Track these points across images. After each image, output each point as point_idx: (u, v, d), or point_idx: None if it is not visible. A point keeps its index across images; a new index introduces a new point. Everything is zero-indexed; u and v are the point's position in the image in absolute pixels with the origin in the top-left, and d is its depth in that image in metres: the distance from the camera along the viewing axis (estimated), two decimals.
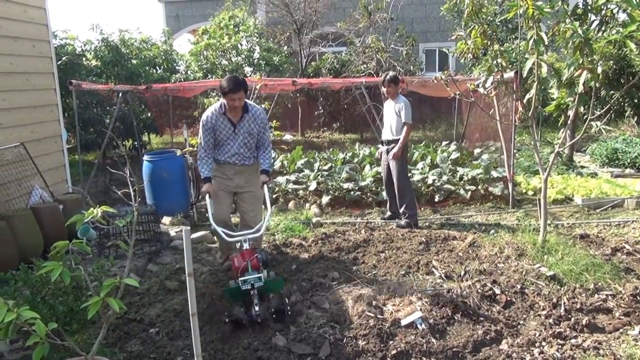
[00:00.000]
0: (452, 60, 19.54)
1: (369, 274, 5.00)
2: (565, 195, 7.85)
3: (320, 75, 14.46)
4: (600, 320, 4.05)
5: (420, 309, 4.04)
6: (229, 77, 4.73)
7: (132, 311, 4.37)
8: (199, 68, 13.90)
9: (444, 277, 4.83)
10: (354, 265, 5.28)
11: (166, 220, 6.75)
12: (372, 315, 4.01)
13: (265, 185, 4.90)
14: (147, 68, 13.31)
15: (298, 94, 14.70)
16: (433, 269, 4.98)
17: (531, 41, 4.87)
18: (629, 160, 9.97)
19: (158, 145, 14.09)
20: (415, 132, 16.00)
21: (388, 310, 4.16)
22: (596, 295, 4.39)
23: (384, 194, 7.23)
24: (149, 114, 13.06)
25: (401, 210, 6.71)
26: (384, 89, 6.74)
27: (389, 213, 7.07)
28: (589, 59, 4.70)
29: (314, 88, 10.92)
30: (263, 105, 7.06)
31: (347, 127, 16.01)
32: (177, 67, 14.69)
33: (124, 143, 3.73)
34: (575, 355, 3.55)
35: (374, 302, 4.22)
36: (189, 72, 14.46)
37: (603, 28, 4.67)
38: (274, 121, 6.89)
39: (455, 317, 4.03)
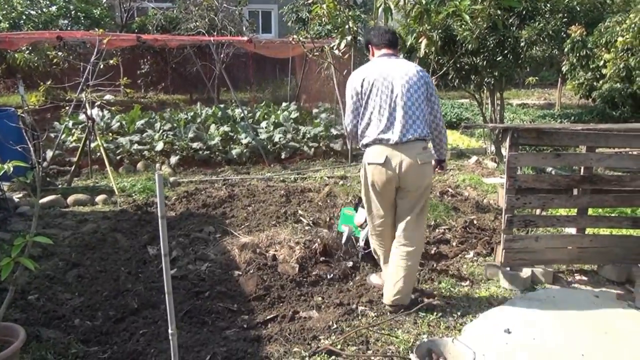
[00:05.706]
0: (275, 24, 19.99)
1: (243, 226, 5.24)
2: None
3: (146, 32, 13.73)
4: (443, 249, 4.87)
5: (301, 252, 4.44)
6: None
7: None
8: (4, 17, 12.25)
9: (311, 224, 5.27)
10: (225, 219, 5.46)
11: (4, 186, 6.11)
12: (257, 260, 4.30)
13: None
14: None
15: (120, 51, 13.81)
16: (301, 218, 5.40)
17: (380, 9, 5.43)
18: None
19: None
20: (244, 92, 16.16)
21: (270, 255, 4.48)
22: (437, 230, 5.24)
23: (233, 152, 7.13)
24: None
25: None
26: None
27: None
28: (428, 27, 5.42)
29: (156, 45, 10.40)
30: (111, 62, 6.63)
31: (174, 88, 15.56)
32: None
33: None
34: (432, 277, 4.28)
35: (257, 250, 4.49)
36: None
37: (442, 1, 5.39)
38: (125, 79, 6.53)
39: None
